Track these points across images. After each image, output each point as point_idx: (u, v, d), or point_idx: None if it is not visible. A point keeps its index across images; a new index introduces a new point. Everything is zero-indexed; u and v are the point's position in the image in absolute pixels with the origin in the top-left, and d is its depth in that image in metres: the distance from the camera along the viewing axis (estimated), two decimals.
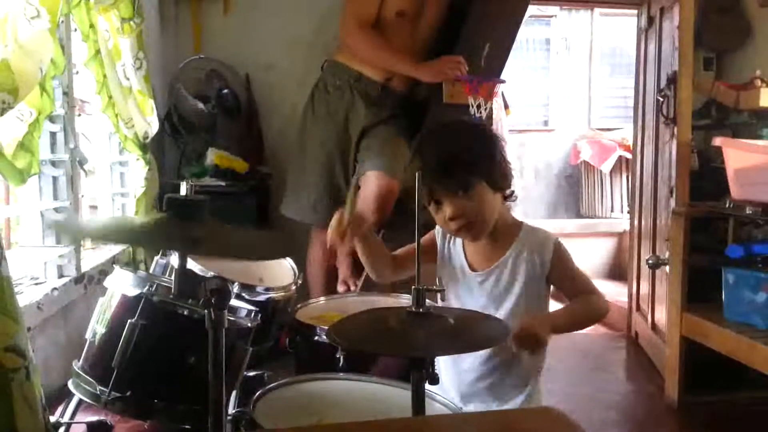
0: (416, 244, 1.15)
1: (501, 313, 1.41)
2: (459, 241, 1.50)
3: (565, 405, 1.89)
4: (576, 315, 1.41)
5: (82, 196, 2.36)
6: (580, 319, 1.43)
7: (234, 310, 1.57)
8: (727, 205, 2.36)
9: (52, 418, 1.55)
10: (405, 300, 1.77)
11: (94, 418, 1.81)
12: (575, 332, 1.51)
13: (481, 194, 1.35)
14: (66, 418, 1.63)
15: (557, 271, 1.43)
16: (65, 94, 2.12)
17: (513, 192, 1.45)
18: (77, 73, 2.26)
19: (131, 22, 2.28)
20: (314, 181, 2.74)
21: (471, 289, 1.46)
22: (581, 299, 1.42)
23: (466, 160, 1.34)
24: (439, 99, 2.69)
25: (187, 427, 1.47)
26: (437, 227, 1.52)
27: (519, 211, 1.54)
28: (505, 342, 1.16)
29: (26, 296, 1.89)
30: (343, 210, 1.41)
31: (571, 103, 6.62)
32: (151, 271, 2.10)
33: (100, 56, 2.16)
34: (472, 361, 1.44)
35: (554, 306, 1.48)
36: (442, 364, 1.46)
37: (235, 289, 1.85)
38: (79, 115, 2.39)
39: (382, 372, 1.48)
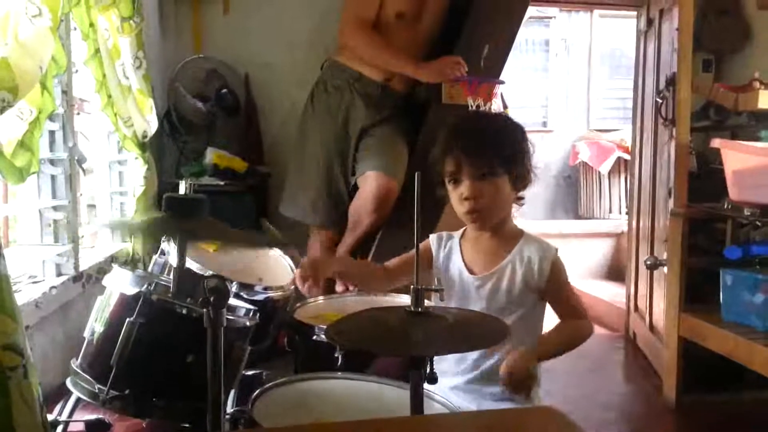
0: (415, 243, 1.14)
1: None
2: (456, 245, 1.52)
3: (563, 405, 1.89)
4: (563, 343, 1.43)
5: (81, 194, 2.36)
6: (566, 346, 1.43)
7: (232, 309, 1.57)
8: (725, 207, 2.37)
9: (51, 417, 1.55)
10: (404, 300, 1.77)
11: (92, 417, 1.81)
12: None
13: (499, 184, 1.41)
14: (64, 417, 1.63)
15: (552, 287, 1.45)
16: (64, 92, 2.12)
17: (523, 197, 1.50)
18: (76, 71, 2.26)
19: (131, 21, 2.28)
20: (313, 180, 2.74)
21: (468, 293, 1.47)
22: (570, 325, 1.46)
23: (501, 147, 1.40)
24: (439, 99, 2.69)
25: (185, 425, 1.47)
26: (431, 235, 1.55)
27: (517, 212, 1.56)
28: (503, 343, 1.16)
29: (24, 295, 1.89)
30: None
31: (569, 104, 6.63)
32: (149, 269, 2.10)
33: (100, 55, 2.16)
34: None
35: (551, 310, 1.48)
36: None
37: (234, 288, 1.85)
38: (78, 113, 2.39)
39: (381, 371, 1.47)
